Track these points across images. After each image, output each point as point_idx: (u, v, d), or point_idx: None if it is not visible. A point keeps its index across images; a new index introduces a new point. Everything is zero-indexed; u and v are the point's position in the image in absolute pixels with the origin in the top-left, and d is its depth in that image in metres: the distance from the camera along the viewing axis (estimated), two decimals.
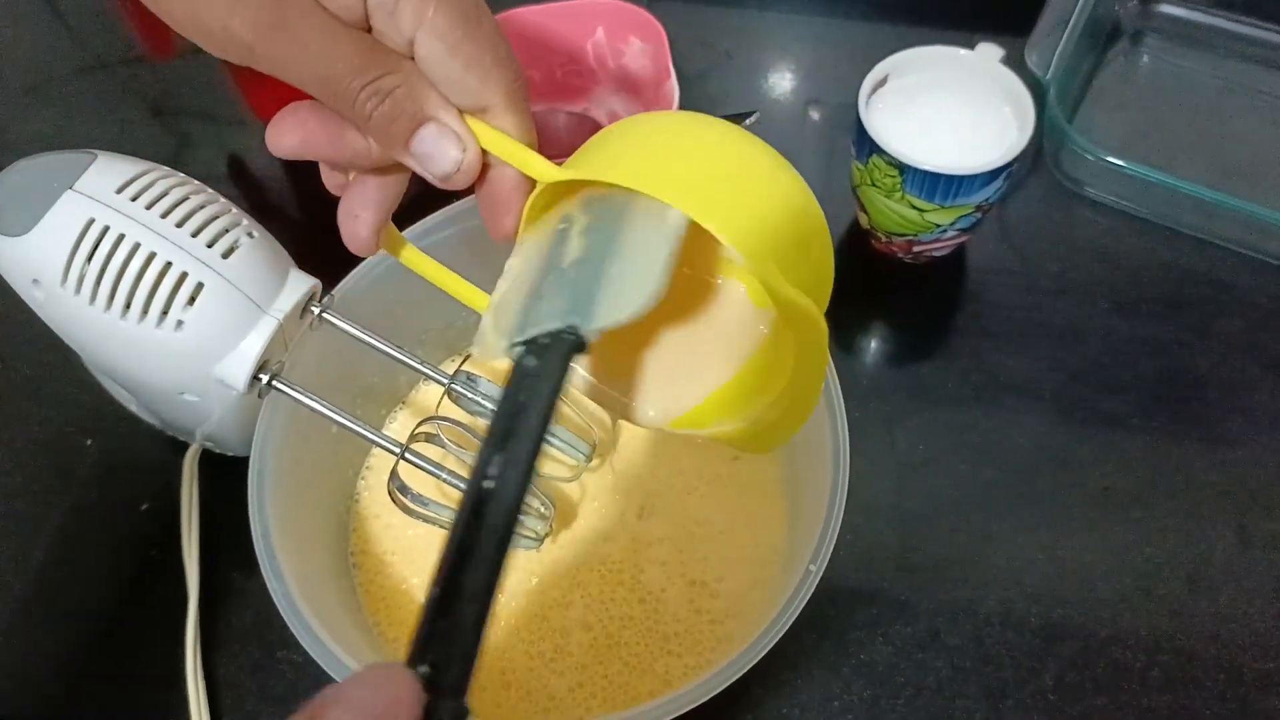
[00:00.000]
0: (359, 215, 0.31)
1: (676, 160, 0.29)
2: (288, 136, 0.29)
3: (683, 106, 0.58)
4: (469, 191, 0.32)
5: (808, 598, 0.37)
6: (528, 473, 0.24)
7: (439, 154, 0.29)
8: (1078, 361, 0.57)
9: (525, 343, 0.27)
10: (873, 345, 0.59)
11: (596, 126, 0.63)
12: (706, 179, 0.28)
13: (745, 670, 0.36)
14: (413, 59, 0.28)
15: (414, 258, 0.36)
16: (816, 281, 0.31)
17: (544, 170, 0.29)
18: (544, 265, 0.29)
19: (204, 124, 0.67)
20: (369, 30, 0.28)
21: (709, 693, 0.36)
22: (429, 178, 0.30)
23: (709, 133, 0.30)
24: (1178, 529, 0.51)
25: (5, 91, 0.70)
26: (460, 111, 0.29)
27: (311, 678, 0.44)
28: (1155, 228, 0.61)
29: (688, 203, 0.27)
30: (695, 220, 0.27)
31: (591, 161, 0.30)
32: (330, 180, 0.33)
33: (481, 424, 0.46)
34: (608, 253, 0.28)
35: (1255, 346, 0.57)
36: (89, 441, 0.54)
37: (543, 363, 0.26)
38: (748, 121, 0.52)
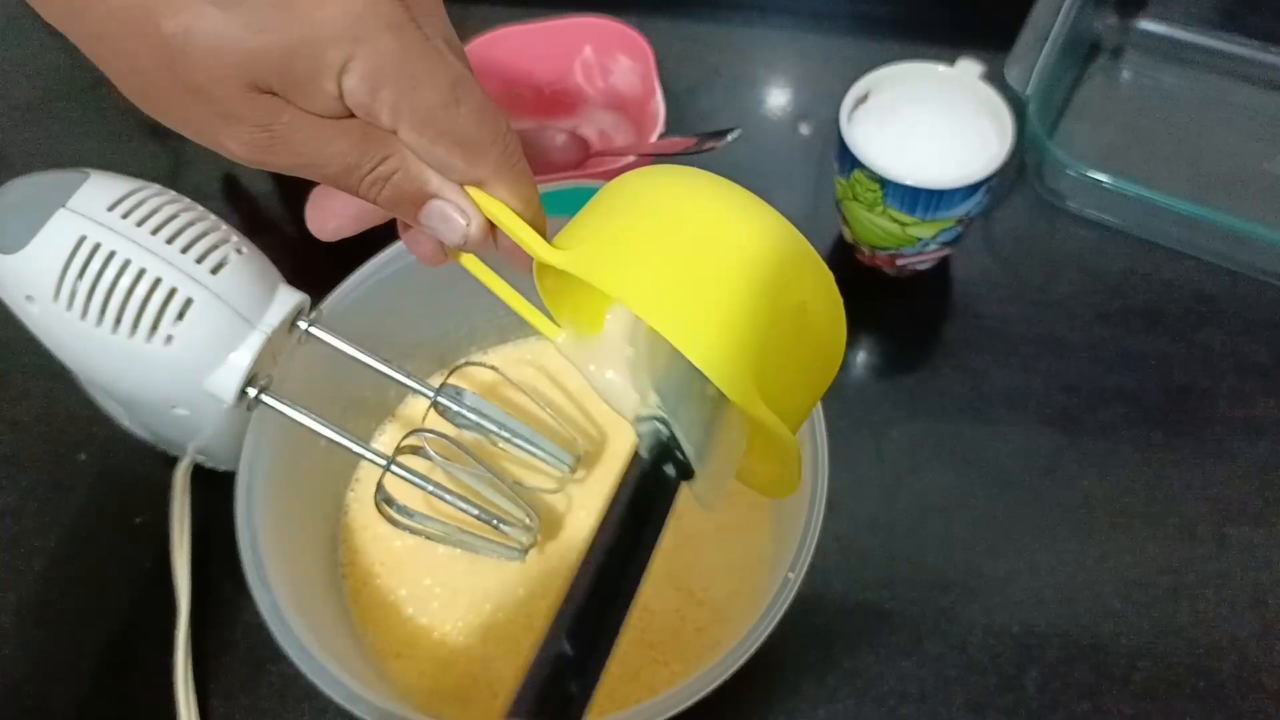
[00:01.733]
0: (419, 239, 0.33)
1: (668, 266, 0.27)
2: (327, 223, 0.32)
3: (669, 121, 0.59)
4: None
5: (787, 604, 0.38)
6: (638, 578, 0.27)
7: (444, 227, 0.30)
8: (1061, 372, 0.57)
9: (671, 432, 0.29)
10: (859, 357, 0.59)
11: (585, 143, 0.64)
12: (698, 293, 0.26)
13: (726, 676, 0.36)
14: None
15: (470, 263, 0.35)
16: (820, 370, 0.32)
17: (537, 249, 0.29)
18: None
19: (199, 144, 0.67)
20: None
21: (690, 697, 0.36)
22: (445, 243, 0.31)
23: (716, 222, 0.28)
24: (1158, 537, 0.52)
25: (3, 110, 0.71)
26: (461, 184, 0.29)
27: (301, 689, 0.45)
28: (1137, 240, 0.62)
29: (668, 327, 0.26)
30: (677, 346, 0.26)
31: (583, 240, 0.29)
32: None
33: (468, 437, 0.46)
34: (714, 425, 0.30)
35: (1236, 357, 0.58)
36: (82, 456, 0.54)
37: (667, 488, 0.28)
38: (729, 138, 0.53)
